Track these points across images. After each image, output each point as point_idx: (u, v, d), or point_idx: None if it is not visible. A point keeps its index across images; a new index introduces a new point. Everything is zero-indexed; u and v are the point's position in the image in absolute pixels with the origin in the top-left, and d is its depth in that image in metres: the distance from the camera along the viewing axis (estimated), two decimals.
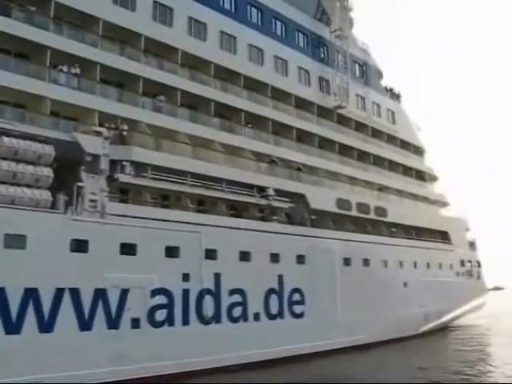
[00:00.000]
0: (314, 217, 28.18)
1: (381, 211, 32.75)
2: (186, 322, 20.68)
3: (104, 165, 19.54)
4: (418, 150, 40.80)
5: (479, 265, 42.83)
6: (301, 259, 26.01)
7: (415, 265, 34.21)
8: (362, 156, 34.51)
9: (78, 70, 20.60)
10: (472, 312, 42.49)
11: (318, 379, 20.86)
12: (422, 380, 20.37)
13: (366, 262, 30.12)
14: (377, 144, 35.79)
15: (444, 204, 42.01)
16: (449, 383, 20.21)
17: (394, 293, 31.47)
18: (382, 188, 34.25)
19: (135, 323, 19.10)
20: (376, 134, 36.14)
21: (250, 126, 27.23)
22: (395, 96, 39.59)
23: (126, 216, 19.58)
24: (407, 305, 32.01)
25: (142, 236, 19.66)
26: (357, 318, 27.54)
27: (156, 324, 19.72)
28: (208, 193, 23.30)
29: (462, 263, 40.25)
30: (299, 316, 25.50)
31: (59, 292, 17.34)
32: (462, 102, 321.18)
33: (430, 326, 34.97)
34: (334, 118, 32.70)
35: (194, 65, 25.26)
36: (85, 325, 17.88)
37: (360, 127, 34.90)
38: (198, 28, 25.76)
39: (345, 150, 32.96)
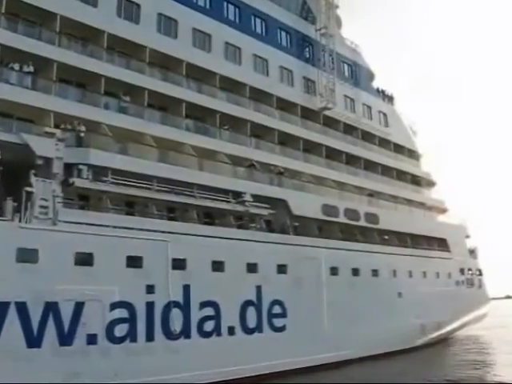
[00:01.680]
0: (296, 224, 26.59)
1: (372, 218, 31.08)
2: (150, 337, 19.10)
3: (57, 168, 18.12)
4: (413, 155, 39.10)
5: (480, 273, 40.87)
6: (282, 269, 24.38)
7: (410, 274, 32.44)
8: (352, 160, 32.95)
9: (31, 69, 19.24)
10: (474, 323, 40.55)
11: None
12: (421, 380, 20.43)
13: (356, 272, 28.43)
14: (367, 147, 34.17)
15: (443, 210, 40.22)
16: (448, 383, 20.27)
17: (387, 304, 29.72)
18: (373, 194, 32.57)
19: (91, 339, 17.52)
20: (367, 137, 34.57)
21: (226, 128, 25.73)
22: (388, 98, 38.01)
23: (82, 223, 18.13)
24: (402, 316, 30.27)
25: (100, 245, 18.14)
26: (346, 332, 25.98)
27: (115, 340, 18.13)
28: (177, 199, 21.81)
29: (462, 272, 38.35)
30: (280, 330, 23.82)
31: (3, 306, 15.86)
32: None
33: (428, 338, 33.10)
34: (320, 120, 31.18)
35: (163, 63, 23.94)
36: (33, 341, 16.36)
37: (349, 130, 33.37)
38: (168, 25, 24.45)
39: (332, 154, 31.44)
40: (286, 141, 28.92)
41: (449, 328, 35.99)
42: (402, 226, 33.08)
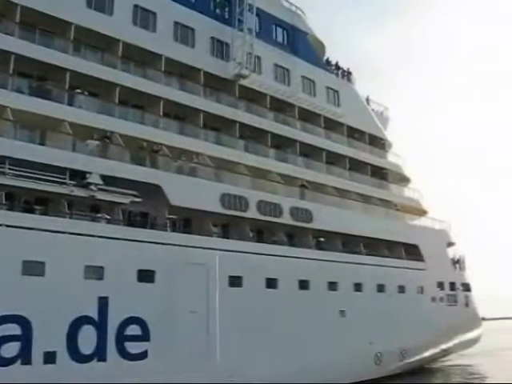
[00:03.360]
0: (176, 217, 20.22)
1: (302, 214, 24.35)
2: None
3: None
4: (378, 143, 32.03)
5: (468, 288, 33.18)
6: (146, 276, 18.09)
7: (359, 287, 25.43)
8: (285, 143, 26.35)
9: None
10: (461, 349, 32.88)
11: None
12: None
13: (273, 283, 21.79)
14: (307, 129, 27.45)
15: (419, 212, 32.88)
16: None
17: (322, 325, 22.91)
18: (305, 185, 25.78)
19: None
20: (307, 116, 27.83)
21: (79, 91, 19.71)
22: (343, 74, 31.25)
23: None
24: (346, 342, 23.40)
25: None
26: (252, 364, 19.55)
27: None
28: None
29: (441, 286, 30.87)
30: (138, 357, 17.46)
31: None
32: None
33: (388, 369, 25.87)
34: (235, 92, 24.72)
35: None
36: None
37: (281, 106, 26.76)
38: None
39: (254, 134, 24.97)
40: (181, 114, 22.73)
41: (421, 356, 28.56)
42: (348, 226, 26.18)
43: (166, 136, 20.95)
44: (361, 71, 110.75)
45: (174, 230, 20.18)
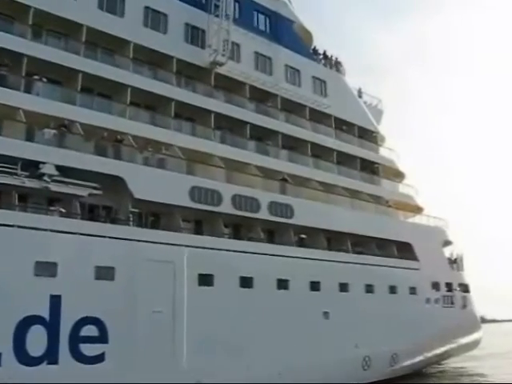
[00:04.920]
0: (139, 211, 18.95)
1: (282, 209, 22.97)
2: None
3: None
4: (369, 136, 30.54)
5: (466, 289, 31.50)
6: (104, 273, 16.88)
7: (344, 287, 23.97)
8: (266, 134, 25.02)
9: None
10: (459, 353, 31.30)
11: None
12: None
13: (247, 282, 20.45)
14: (290, 120, 26.08)
15: (414, 209, 31.32)
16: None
17: (303, 327, 21.54)
18: (287, 178, 24.38)
19: None
20: (291, 107, 26.46)
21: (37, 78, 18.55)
22: (331, 63, 29.82)
23: None
24: (329, 345, 22.01)
25: None
26: (220, 368, 18.25)
27: None
28: None
29: (436, 287, 29.25)
30: (94, 360, 16.20)
31: None
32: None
33: (377, 374, 24.35)
34: (210, 81, 23.43)
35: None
36: None
37: (262, 96, 25.43)
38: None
39: (230, 124, 23.70)
40: (149, 102, 21.50)
41: (414, 360, 27.00)
42: (333, 222, 24.75)
43: (131, 125, 19.70)
44: (372, 70, 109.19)
45: (139, 225, 18.94)
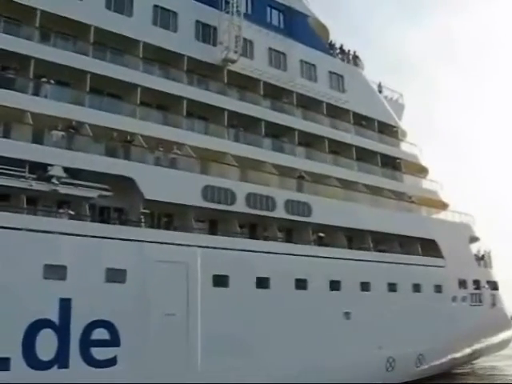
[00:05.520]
0: (151, 212, 18.66)
1: (299, 208, 22.41)
2: None
3: None
4: (390, 130, 29.69)
5: (495, 287, 30.37)
6: (115, 275, 16.66)
7: (366, 287, 23.26)
8: (283, 132, 24.51)
9: None
10: (488, 353, 30.21)
11: None
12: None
13: (263, 282, 19.94)
14: (308, 116, 25.50)
15: (439, 205, 30.32)
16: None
17: (324, 328, 20.96)
18: (304, 176, 23.79)
19: None
20: (308, 102, 25.86)
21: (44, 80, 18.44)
22: (349, 58, 29.10)
23: None
24: (351, 346, 21.42)
25: None
26: (237, 372, 17.63)
27: None
28: None
29: (463, 285, 28.24)
30: (106, 364, 16.04)
31: None
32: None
33: (402, 375, 23.56)
34: (223, 78, 23.03)
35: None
36: None
37: (277, 93, 24.91)
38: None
39: (247, 123, 23.25)
40: (166, 104, 21.23)
41: (441, 361, 26.10)
42: (353, 219, 24.06)
43: (141, 126, 19.43)
44: (400, 69, 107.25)
45: (151, 226, 18.64)
